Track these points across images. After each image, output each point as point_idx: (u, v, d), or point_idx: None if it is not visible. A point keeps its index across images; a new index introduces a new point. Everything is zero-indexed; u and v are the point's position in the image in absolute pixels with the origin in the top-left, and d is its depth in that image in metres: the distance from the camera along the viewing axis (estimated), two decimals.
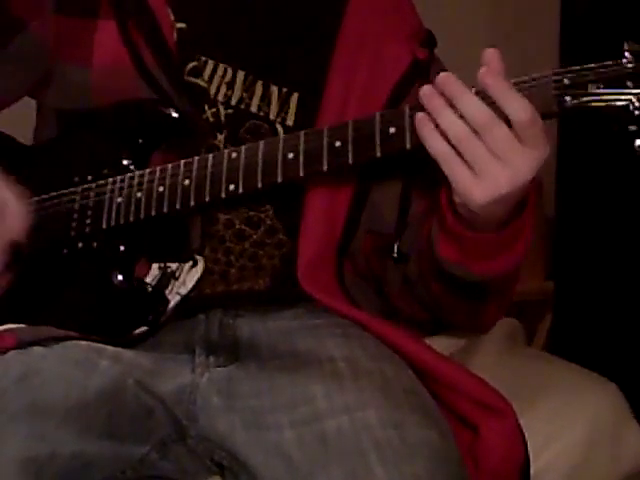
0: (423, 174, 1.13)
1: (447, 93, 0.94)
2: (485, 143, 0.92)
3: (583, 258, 2.53)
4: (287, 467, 0.98)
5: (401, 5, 1.26)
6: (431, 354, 1.13)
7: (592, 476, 1.27)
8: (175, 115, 1.12)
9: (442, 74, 0.96)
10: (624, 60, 0.88)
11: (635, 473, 1.31)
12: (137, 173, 1.12)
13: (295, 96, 1.18)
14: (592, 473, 1.27)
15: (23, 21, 1.20)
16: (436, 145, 0.95)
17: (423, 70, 1.18)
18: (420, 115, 0.97)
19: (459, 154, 0.93)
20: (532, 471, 1.12)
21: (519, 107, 0.91)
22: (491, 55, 0.93)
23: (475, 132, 0.93)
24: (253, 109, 1.18)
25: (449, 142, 0.94)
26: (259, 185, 1.04)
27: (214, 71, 1.17)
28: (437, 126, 0.95)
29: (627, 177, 2.14)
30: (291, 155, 1.05)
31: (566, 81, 0.90)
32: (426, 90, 0.96)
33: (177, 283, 1.11)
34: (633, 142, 0.88)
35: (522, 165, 0.92)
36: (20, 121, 1.28)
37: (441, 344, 1.32)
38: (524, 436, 1.09)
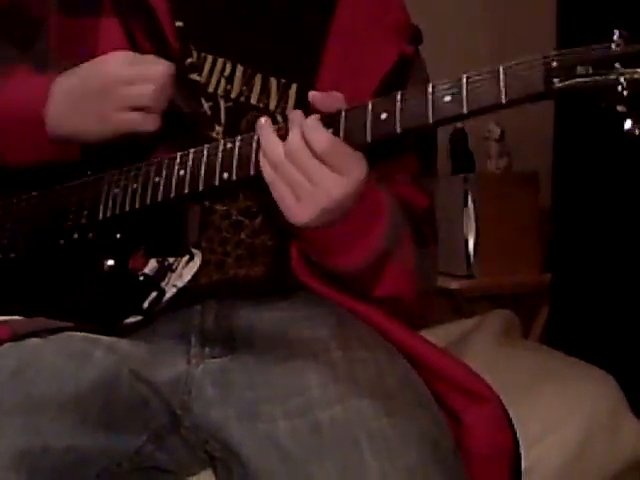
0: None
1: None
2: (296, 167, 0.99)
3: (580, 250, 2.53)
4: (281, 458, 0.98)
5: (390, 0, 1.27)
6: (417, 339, 1.13)
7: (589, 467, 1.28)
8: (178, 113, 1.13)
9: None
10: (612, 44, 0.89)
11: (632, 464, 1.31)
12: (134, 166, 1.12)
13: (294, 87, 1.19)
14: (589, 464, 1.28)
15: (42, 19, 1.20)
16: (265, 169, 1.01)
17: (407, 66, 1.20)
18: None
19: (281, 178, 1.00)
20: (529, 462, 1.13)
21: (317, 138, 0.98)
22: (311, 96, 1.02)
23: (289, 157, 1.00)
24: (253, 101, 1.19)
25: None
26: (252, 172, 1.05)
27: (213, 66, 1.18)
28: None
29: (624, 169, 2.15)
30: None
31: (554, 64, 0.91)
32: (262, 118, 1.03)
33: (174, 275, 1.11)
34: (623, 124, 0.89)
35: (333, 187, 0.98)
36: None
37: (437, 335, 1.32)
38: (511, 422, 1.09)
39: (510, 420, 1.09)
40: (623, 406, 1.34)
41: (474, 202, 2.63)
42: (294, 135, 0.99)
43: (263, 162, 1.01)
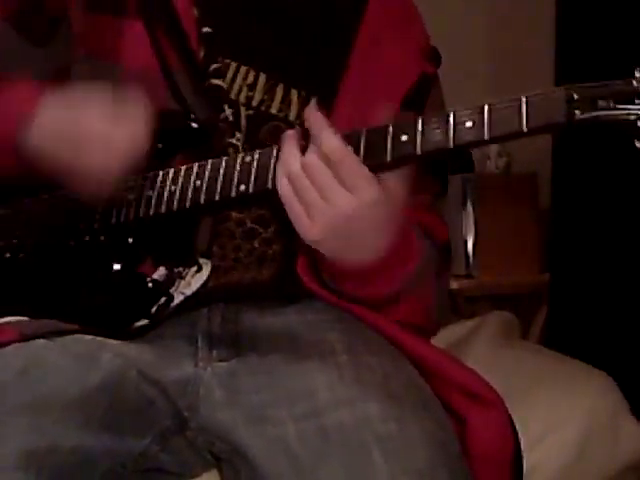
0: None
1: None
2: (310, 180, 0.98)
3: (579, 250, 2.54)
4: (289, 461, 0.99)
5: (413, 18, 1.29)
6: (421, 343, 1.14)
7: (589, 468, 1.29)
8: (195, 126, 1.13)
9: (307, 112, 1.01)
10: (633, 80, 0.91)
11: (631, 465, 1.32)
12: (151, 174, 1.12)
13: (314, 100, 1.19)
14: (589, 465, 1.28)
15: (61, 15, 1.19)
16: (280, 179, 1.01)
17: (428, 85, 1.22)
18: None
19: (296, 194, 0.99)
20: (529, 463, 1.14)
21: (330, 145, 0.98)
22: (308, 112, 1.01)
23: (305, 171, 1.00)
24: (273, 111, 1.19)
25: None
26: (269, 185, 1.05)
27: (236, 73, 1.19)
28: None
29: (623, 170, 2.15)
30: None
31: (576, 96, 0.92)
32: (289, 131, 1.02)
33: (183, 283, 1.11)
34: None
35: (343, 204, 0.97)
36: None
37: (436, 337, 1.32)
38: (514, 426, 1.10)
39: (513, 423, 1.10)
40: (622, 407, 1.35)
41: (473, 202, 2.63)
42: (312, 149, 0.99)
43: (279, 172, 1.01)
